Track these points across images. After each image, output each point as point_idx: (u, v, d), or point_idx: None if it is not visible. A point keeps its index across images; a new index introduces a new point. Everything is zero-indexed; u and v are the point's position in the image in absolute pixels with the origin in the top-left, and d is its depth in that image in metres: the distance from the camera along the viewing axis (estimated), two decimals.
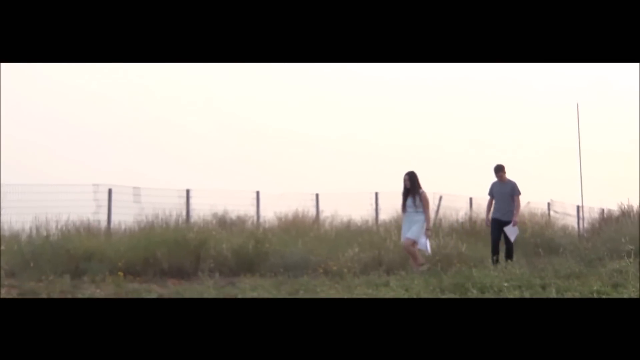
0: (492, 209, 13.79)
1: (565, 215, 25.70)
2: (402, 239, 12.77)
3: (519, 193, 13.68)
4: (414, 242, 12.48)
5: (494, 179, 13.86)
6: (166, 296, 10.06)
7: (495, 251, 13.32)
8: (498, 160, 16.44)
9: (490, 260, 13.05)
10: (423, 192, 12.71)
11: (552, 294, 8.80)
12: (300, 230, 17.33)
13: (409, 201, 12.67)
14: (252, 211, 20.34)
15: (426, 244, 12.56)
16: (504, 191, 13.64)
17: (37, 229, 15.58)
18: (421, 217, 12.57)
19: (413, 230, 12.51)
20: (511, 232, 13.40)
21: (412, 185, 12.68)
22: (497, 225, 13.54)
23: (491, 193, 13.86)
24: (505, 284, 9.37)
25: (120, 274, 12.51)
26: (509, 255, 13.24)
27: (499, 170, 13.77)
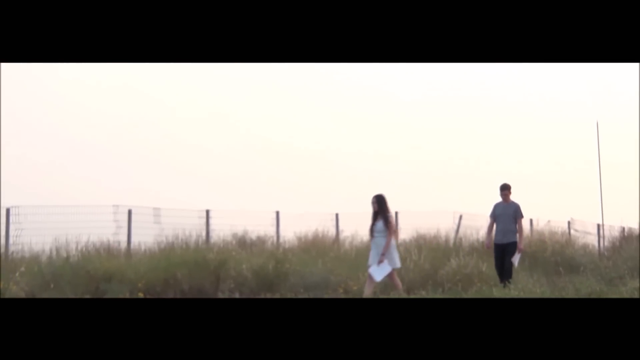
0: (493, 231, 13.56)
1: (586, 234, 25.52)
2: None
3: (521, 216, 13.37)
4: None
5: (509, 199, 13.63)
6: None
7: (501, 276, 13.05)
8: (519, 178, 16.34)
9: (502, 284, 12.81)
10: (390, 216, 12.15)
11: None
12: (320, 250, 17.31)
13: (377, 225, 12.04)
14: (272, 231, 20.30)
15: (376, 270, 11.82)
16: (507, 212, 13.32)
17: (57, 250, 15.66)
18: (384, 241, 11.92)
19: (372, 256, 11.99)
20: (515, 258, 13.15)
21: (379, 209, 12.08)
22: (500, 251, 13.24)
23: (493, 214, 13.51)
24: None
25: (141, 294, 12.56)
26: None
27: (505, 189, 13.46)
